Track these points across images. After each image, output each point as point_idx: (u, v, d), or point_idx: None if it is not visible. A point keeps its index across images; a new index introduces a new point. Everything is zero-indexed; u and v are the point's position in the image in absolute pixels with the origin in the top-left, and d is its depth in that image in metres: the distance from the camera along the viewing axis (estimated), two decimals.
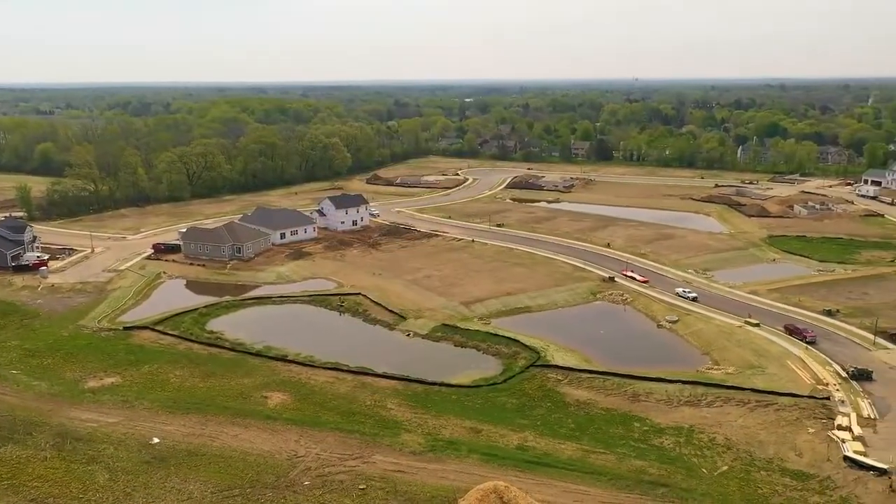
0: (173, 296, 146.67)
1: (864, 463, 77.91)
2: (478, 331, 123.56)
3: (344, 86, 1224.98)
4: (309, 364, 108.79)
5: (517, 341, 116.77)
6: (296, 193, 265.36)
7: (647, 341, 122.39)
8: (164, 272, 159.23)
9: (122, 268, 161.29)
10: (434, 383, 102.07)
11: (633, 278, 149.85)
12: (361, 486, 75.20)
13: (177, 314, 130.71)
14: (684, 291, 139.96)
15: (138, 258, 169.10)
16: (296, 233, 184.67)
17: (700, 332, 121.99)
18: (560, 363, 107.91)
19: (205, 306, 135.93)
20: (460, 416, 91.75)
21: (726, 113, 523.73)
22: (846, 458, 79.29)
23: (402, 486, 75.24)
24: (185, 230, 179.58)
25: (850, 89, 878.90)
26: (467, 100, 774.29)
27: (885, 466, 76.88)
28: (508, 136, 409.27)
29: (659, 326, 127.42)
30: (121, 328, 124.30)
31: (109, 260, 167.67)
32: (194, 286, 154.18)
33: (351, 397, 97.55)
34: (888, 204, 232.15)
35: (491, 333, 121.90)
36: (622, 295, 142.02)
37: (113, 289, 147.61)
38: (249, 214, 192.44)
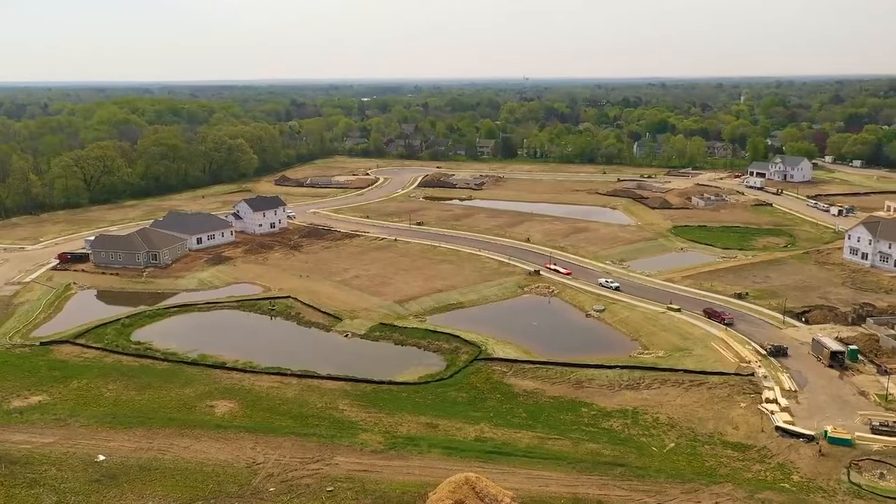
0: (88, 307, 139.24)
1: (793, 431, 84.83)
2: (416, 328, 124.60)
3: (233, 86, 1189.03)
4: (250, 370, 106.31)
5: (457, 336, 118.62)
6: (203, 197, 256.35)
7: (578, 331, 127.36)
8: (75, 283, 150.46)
9: (27, 280, 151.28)
10: (382, 382, 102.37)
11: (557, 271, 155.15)
12: (329, 489, 74.74)
13: (97, 326, 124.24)
14: (607, 281, 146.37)
15: (43, 269, 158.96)
16: (213, 237, 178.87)
17: (627, 320, 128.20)
18: (502, 356, 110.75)
19: (127, 316, 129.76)
20: (414, 413, 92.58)
21: (617, 111, 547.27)
22: (777, 428, 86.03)
23: (369, 484, 75.35)
24: (93, 238, 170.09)
25: (724, 88, 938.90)
26: (365, 99, 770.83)
27: (812, 433, 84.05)
28: (413, 136, 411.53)
29: (587, 316, 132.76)
30: (37, 344, 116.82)
31: (11, 272, 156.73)
32: (110, 296, 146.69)
33: (300, 401, 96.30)
34: (774, 194, 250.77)
35: (430, 330, 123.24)
36: (548, 287, 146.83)
37: (20, 302, 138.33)
38: (162, 220, 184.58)
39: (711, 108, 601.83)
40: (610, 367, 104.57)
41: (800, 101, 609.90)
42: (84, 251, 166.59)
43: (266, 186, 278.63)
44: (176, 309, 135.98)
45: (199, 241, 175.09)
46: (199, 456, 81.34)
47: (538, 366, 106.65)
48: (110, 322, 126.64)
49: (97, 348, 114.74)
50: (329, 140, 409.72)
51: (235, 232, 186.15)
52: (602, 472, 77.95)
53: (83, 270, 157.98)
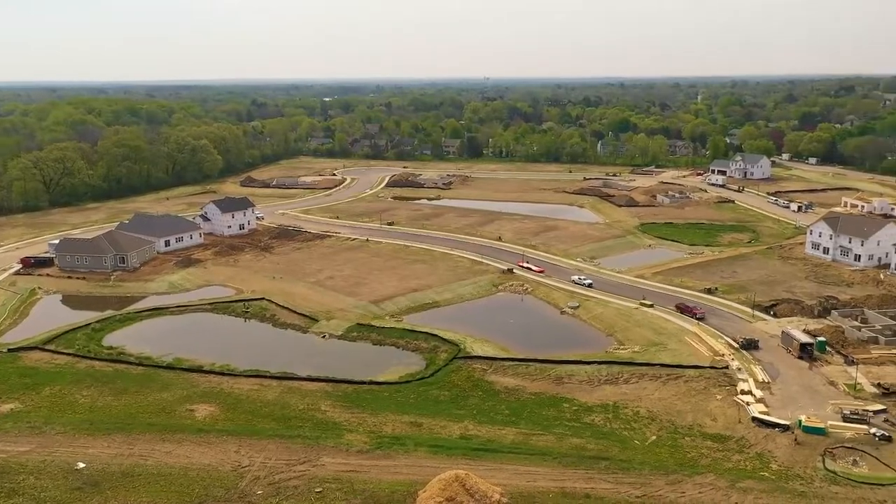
0: (56, 312, 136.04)
1: (769, 421, 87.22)
2: (393, 328, 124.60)
3: (191, 86, 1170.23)
4: (228, 373, 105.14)
5: (435, 335, 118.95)
6: (167, 199, 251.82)
7: (554, 327, 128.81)
8: (39, 288, 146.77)
9: None
10: (363, 382, 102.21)
11: (530, 269, 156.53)
12: (318, 490, 74.44)
13: (67, 331, 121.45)
14: (579, 279, 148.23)
15: (6, 274, 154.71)
16: (181, 239, 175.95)
17: (601, 316, 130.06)
18: (481, 354, 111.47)
19: (97, 321, 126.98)
20: (397, 412, 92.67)
21: (579, 110, 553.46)
22: (754, 418, 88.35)
23: (358, 485, 75.26)
24: (57, 242, 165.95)
25: (681, 88, 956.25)
26: (327, 99, 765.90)
27: (787, 423, 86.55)
28: (378, 136, 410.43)
29: (562, 313, 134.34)
30: (4, 350, 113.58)
31: None
32: (77, 301, 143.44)
33: (282, 403, 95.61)
34: (735, 191, 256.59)
35: (407, 330, 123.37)
36: (522, 285, 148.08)
37: None
38: (128, 222, 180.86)
39: (670, 107, 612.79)
40: (588, 363, 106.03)
41: (755, 101, 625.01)
42: (48, 255, 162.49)
43: (231, 187, 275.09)
44: (148, 312, 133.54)
45: (167, 243, 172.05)
46: (183, 461, 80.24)
47: (518, 363, 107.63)
48: (80, 327, 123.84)
49: (68, 354, 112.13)
50: (293, 140, 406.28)
51: (204, 234, 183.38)
52: (588, 465, 79.09)
53: (48, 275, 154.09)
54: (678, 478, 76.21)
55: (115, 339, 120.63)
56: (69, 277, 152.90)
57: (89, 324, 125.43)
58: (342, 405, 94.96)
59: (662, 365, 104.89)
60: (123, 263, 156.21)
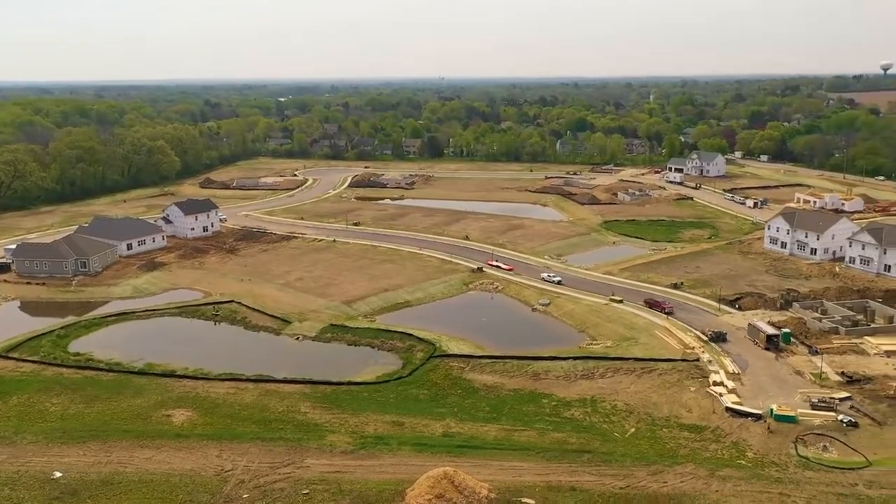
0: (15, 319, 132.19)
1: (742, 411, 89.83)
2: (367, 328, 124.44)
3: (140, 86, 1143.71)
4: (203, 377, 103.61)
5: (410, 335, 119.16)
6: (124, 201, 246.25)
7: (526, 324, 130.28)
8: None
9: None
10: (341, 383, 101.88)
11: (500, 267, 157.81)
12: (305, 491, 74.02)
13: (30, 338, 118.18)
14: (549, 276, 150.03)
15: None
16: (143, 242, 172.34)
17: (572, 312, 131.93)
18: (457, 352, 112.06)
19: (62, 327, 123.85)
20: (378, 412, 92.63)
21: (536, 109, 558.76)
22: (727, 408, 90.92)
23: (345, 485, 75.10)
24: (14, 247, 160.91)
25: (633, 87, 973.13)
26: (282, 99, 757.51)
27: (759, 412, 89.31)
28: (338, 136, 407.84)
29: (533, 310, 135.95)
30: None
31: None
32: (38, 307, 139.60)
33: (261, 406, 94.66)
34: (693, 188, 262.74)
35: (382, 329, 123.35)
36: (493, 283, 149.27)
37: None
38: (87, 225, 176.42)
39: (624, 106, 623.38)
40: (564, 359, 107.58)
41: (705, 100, 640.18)
42: (4, 261, 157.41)
43: (190, 189, 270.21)
44: (114, 318, 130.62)
45: (129, 246, 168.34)
46: (163, 467, 78.93)
47: (495, 360, 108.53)
48: (44, 333, 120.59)
49: (33, 361, 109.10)
50: (251, 141, 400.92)
51: (167, 237, 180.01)
52: (571, 459, 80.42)
53: (5, 281, 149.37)
54: (659, 468, 77.99)
55: (81, 345, 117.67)
56: (28, 283, 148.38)
57: (53, 330, 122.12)
58: (322, 406, 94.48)
59: (636, 359, 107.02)
60: (85, 268, 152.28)
